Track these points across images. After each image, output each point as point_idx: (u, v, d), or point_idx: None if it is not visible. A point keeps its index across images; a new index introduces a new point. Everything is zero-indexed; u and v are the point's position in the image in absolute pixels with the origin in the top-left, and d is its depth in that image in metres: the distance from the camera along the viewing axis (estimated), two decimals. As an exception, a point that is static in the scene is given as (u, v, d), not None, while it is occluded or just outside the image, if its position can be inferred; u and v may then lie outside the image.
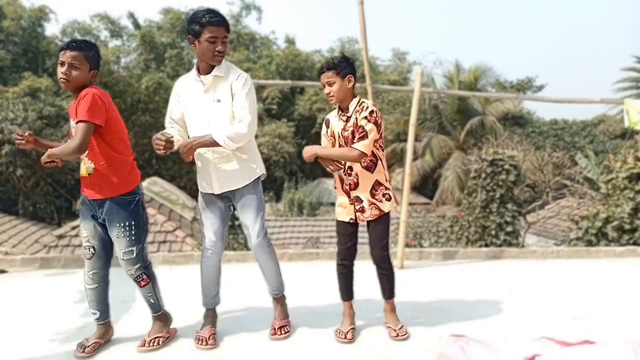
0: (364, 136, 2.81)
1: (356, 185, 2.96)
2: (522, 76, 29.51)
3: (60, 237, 9.54)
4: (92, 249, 2.74)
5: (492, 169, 8.40)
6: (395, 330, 3.01)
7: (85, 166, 2.67)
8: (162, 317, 2.94)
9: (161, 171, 19.89)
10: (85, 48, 2.59)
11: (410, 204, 7.84)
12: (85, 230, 2.75)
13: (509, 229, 8.23)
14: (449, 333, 3.02)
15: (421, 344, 2.92)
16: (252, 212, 2.93)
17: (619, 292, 4.10)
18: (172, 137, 2.69)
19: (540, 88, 28.82)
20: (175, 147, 2.77)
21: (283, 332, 3.01)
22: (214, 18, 2.68)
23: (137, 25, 28.97)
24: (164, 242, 8.29)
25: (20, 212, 17.87)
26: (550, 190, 11.79)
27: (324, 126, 3.13)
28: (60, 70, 2.55)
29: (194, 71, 2.88)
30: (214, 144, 2.72)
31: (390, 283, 3.07)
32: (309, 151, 2.96)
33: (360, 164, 2.91)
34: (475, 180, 8.68)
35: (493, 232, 8.23)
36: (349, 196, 3.00)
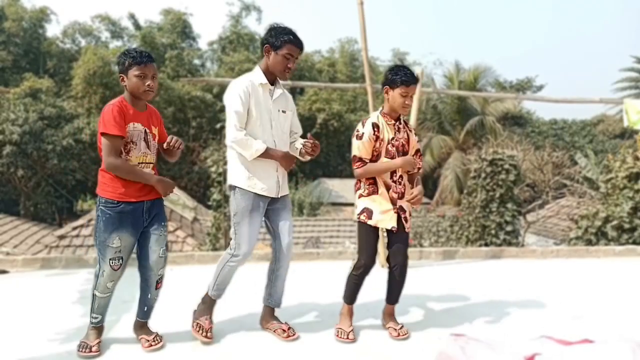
0: (421, 159, 3.13)
1: (402, 195, 2.99)
2: (521, 76, 29.49)
3: (62, 237, 9.56)
4: (121, 260, 2.71)
5: (491, 168, 8.41)
6: (396, 330, 3.02)
7: (150, 170, 2.78)
8: (147, 323, 2.96)
9: (161, 171, 19.74)
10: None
11: (410, 203, 7.82)
12: (119, 241, 2.67)
13: (509, 228, 8.24)
14: (449, 332, 3.03)
15: (421, 344, 2.93)
16: (290, 216, 3.10)
17: (618, 291, 4.11)
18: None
19: (540, 88, 28.78)
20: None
21: (292, 332, 3.02)
22: (296, 39, 2.90)
23: (137, 26, 28.96)
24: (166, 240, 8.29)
25: (21, 212, 17.90)
26: (549, 190, 11.79)
27: (371, 128, 2.93)
28: (145, 82, 2.64)
29: (259, 78, 2.94)
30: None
31: (400, 290, 3.10)
32: (410, 163, 2.96)
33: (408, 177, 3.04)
34: (475, 180, 8.69)
35: (493, 232, 8.24)
36: (394, 204, 2.97)
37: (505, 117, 22.56)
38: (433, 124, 21.37)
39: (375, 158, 2.96)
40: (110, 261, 2.68)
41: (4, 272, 4.82)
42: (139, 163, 2.70)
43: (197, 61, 27.65)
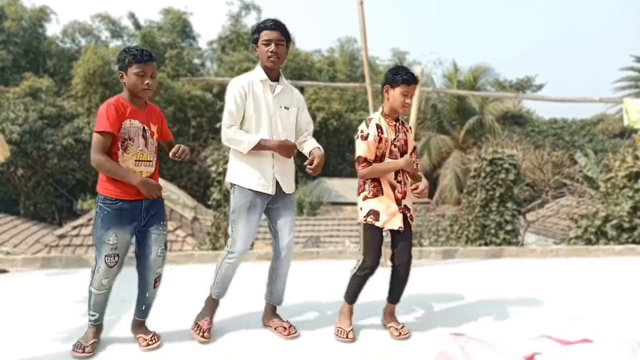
0: (417, 153, 3.11)
1: (405, 194, 3.01)
2: (521, 75, 29.51)
3: (61, 237, 9.57)
4: (116, 257, 2.71)
5: (491, 168, 8.41)
6: (397, 329, 3.02)
7: (149, 169, 2.75)
8: (145, 321, 2.96)
9: (162, 171, 19.69)
10: (155, 58, 2.77)
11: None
12: (115, 238, 2.68)
13: (509, 227, 8.24)
14: (449, 332, 3.03)
15: (421, 343, 2.93)
16: (292, 215, 3.07)
17: (618, 291, 4.12)
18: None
19: (540, 87, 28.80)
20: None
21: (294, 330, 3.04)
22: (268, 23, 2.88)
23: (137, 25, 28.97)
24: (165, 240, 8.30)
25: (21, 212, 17.89)
26: (549, 189, 11.80)
27: (374, 130, 2.93)
28: (144, 80, 2.65)
29: (260, 75, 2.95)
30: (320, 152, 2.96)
31: (402, 289, 3.10)
32: (410, 164, 2.98)
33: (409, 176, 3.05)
34: (474, 180, 8.69)
35: (493, 231, 8.24)
36: (399, 204, 2.98)
37: (505, 116, 22.58)
38: (432, 123, 21.38)
39: (378, 159, 2.96)
40: (106, 258, 2.69)
41: (3, 271, 4.82)
42: (135, 160, 2.69)
43: (197, 60, 27.66)
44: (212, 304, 3.08)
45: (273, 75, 2.97)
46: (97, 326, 2.85)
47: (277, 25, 2.87)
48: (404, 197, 3.00)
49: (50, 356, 2.77)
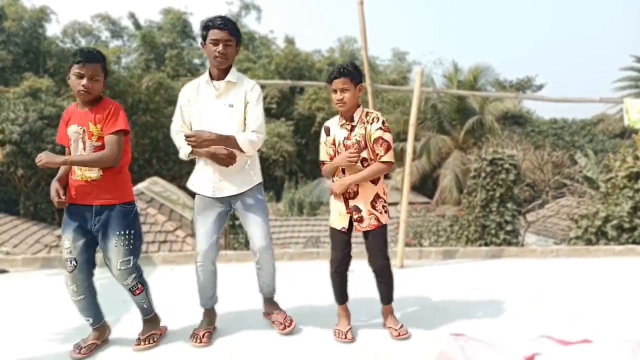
0: (389, 146, 2.87)
1: (355, 194, 2.94)
2: (521, 76, 29.50)
3: (61, 237, 9.55)
4: (74, 262, 2.64)
5: (491, 168, 8.41)
6: (396, 329, 3.02)
7: (88, 173, 2.62)
8: (153, 318, 2.96)
9: (161, 171, 19.89)
10: (102, 59, 2.64)
11: (410, 203, 7.85)
12: (68, 241, 2.64)
13: (509, 228, 8.24)
14: (449, 332, 3.03)
15: (421, 343, 2.93)
16: (258, 216, 2.97)
17: (618, 291, 4.11)
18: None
19: (540, 87, 28.81)
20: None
21: (289, 321, 3.06)
22: (217, 21, 2.78)
23: (137, 25, 28.98)
24: (165, 242, 8.30)
25: (21, 212, 17.88)
26: (549, 190, 11.80)
27: (323, 134, 3.08)
28: (81, 82, 2.55)
29: (205, 76, 2.93)
30: (235, 145, 2.78)
31: (389, 290, 3.08)
32: (340, 185, 2.91)
33: None
34: (475, 180, 8.69)
35: (493, 231, 8.24)
36: (346, 204, 2.97)
37: (505, 116, 22.57)
38: (432, 123, 21.36)
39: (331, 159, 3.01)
40: (65, 262, 2.67)
41: (3, 271, 4.82)
42: (77, 166, 2.64)
43: (197, 60, 27.67)
44: (204, 314, 3.10)
45: (220, 74, 2.89)
46: (98, 329, 2.85)
47: (225, 25, 2.78)
48: (352, 197, 2.95)
49: (50, 356, 2.77)
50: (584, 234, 7.51)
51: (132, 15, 29.04)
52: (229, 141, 2.77)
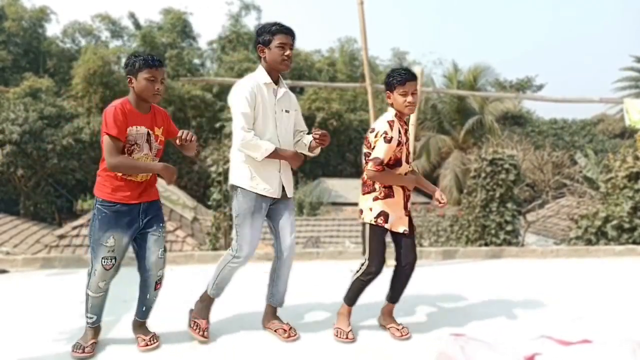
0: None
1: (409, 198, 3.04)
2: (521, 76, 29.50)
3: (61, 237, 9.56)
4: (114, 260, 2.72)
5: (491, 168, 8.41)
6: (398, 329, 3.02)
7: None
8: (145, 323, 2.97)
9: (161, 171, 19.90)
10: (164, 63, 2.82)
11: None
12: (112, 240, 2.68)
13: (509, 228, 8.24)
14: (449, 332, 3.03)
15: (421, 343, 2.93)
16: (293, 218, 3.09)
17: (618, 291, 4.11)
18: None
19: (540, 87, 28.82)
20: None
21: (294, 332, 3.02)
22: (284, 27, 2.91)
23: (137, 25, 28.97)
24: (165, 242, 8.30)
25: (21, 212, 17.88)
26: (549, 190, 11.81)
27: (397, 132, 2.89)
28: (156, 86, 2.66)
29: (264, 78, 2.92)
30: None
31: (403, 288, 3.11)
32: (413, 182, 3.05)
33: None
34: (475, 180, 8.69)
35: (493, 232, 8.24)
36: (405, 207, 3.01)
37: (505, 116, 22.58)
38: (432, 123, 21.38)
39: (393, 162, 2.93)
40: (103, 260, 2.69)
41: (4, 271, 4.82)
42: None
43: (196, 60, 27.67)
44: (208, 302, 3.08)
45: (275, 79, 2.98)
46: (95, 328, 2.85)
47: (291, 31, 2.92)
48: (408, 200, 3.03)
49: (50, 356, 2.77)
50: (584, 234, 7.51)
51: (132, 15, 29.03)
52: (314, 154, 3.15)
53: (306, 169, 22.20)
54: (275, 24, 2.90)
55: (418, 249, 5.79)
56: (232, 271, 2.99)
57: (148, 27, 27.54)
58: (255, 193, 2.88)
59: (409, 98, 2.87)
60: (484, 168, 8.47)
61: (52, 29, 61.30)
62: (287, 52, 2.87)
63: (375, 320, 3.25)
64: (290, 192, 3.05)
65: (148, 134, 2.72)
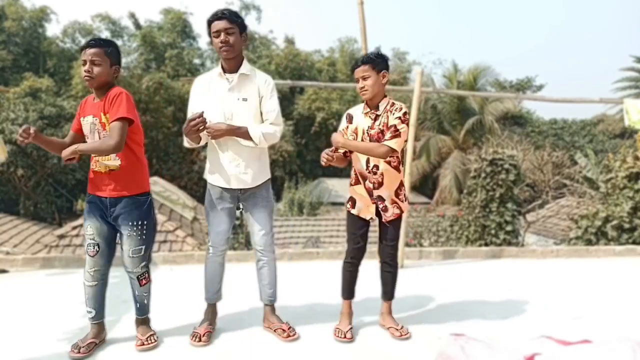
0: (397, 135, 2.82)
1: (380, 184, 2.94)
2: (521, 76, 29.49)
3: (61, 237, 9.55)
4: (96, 247, 2.75)
5: (491, 168, 8.41)
6: (397, 329, 3.02)
7: (109, 162, 2.69)
8: (147, 319, 2.98)
9: (161, 171, 19.89)
10: (104, 44, 2.69)
11: (410, 203, 7.82)
12: (90, 228, 2.75)
13: (509, 228, 8.24)
14: (449, 332, 3.03)
15: (421, 343, 2.93)
16: (264, 212, 3.02)
17: (618, 291, 4.12)
18: (202, 112, 2.72)
19: (540, 88, 28.77)
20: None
21: (292, 332, 3.01)
22: (214, 13, 2.82)
23: (137, 25, 28.94)
24: (165, 241, 8.30)
25: (21, 212, 17.87)
26: (549, 190, 11.81)
27: (344, 120, 3.04)
28: (84, 68, 2.63)
29: (218, 69, 2.93)
30: (246, 136, 2.79)
31: (393, 283, 3.10)
32: (336, 141, 2.91)
33: (390, 163, 2.91)
34: (475, 180, 8.70)
35: (493, 232, 8.24)
36: (370, 195, 2.97)
37: (505, 116, 22.55)
38: (432, 123, 21.37)
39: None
40: (87, 247, 2.76)
41: (4, 271, 4.82)
42: (95, 157, 2.73)
43: (197, 60, 27.64)
44: (206, 310, 3.10)
45: (231, 66, 2.88)
46: (97, 325, 2.86)
47: (223, 14, 2.78)
48: (377, 188, 2.95)
49: (50, 356, 2.77)
50: (584, 234, 7.51)
51: (132, 15, 29.00)
52: (240, 132, 2.79)
53: (306, 169, 22.21)
54: (211, 14, 2.83)
55: (418, 249, 5.84)
56: (211, 265, 3.03)
57: (148, 27, 27.51)
58: (214, 185, 2.96)
59: (359, 83, 2.90)
60: (484, 168, 8.47)
61: (52, 29, 61.25)
62: (221, 38, 2.76)
63: (375, 320, 3.25)
64: (252, 181, 2.93)
65: (98, 122, 2.67)
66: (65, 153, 2.60)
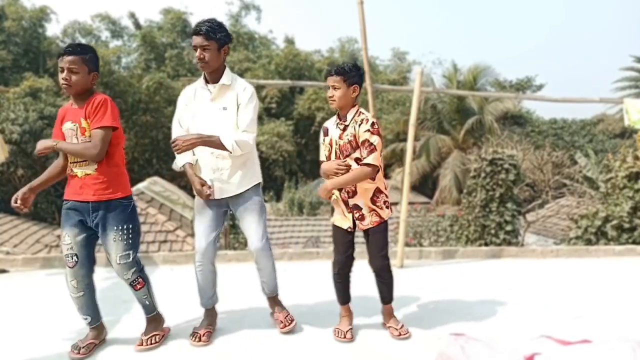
0: (373, 149, 2.80)
1: (354, 193, 2.92)
2: (521, 76, 29.50)
3: (61, 233, 9.56)
4: (74, 257, 2.67)
5: (491, 168, 8.41)
6: (397, 329, 3.02)
7: (85, 168, 2.64)
8: (156, 317, 2.96)
9: (162, 171, 19.93)
10: (82, 52, 2.62)
11: (410, 203, 7.85)
12: (68, 237, 2.67)
13: (509, 228, 8.24)
14: (449, 332, 3.03)
15: (421, 343, 2.93)
16: (254, 217, 2.99)
17: (618, 291, 4.11)
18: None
19: (540, 87, 28.79)
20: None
21: (289, 321, 3.06)
22: (195, 27, 2.83)
23: (137, 25, 28.97)
24: (165, 241, 8.30)
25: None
26: (549, 190, 11.81)
27: (322, 134, 3.07)
28: (61, 75, 2.59)
29: (201, 80, 2.97)
30: (220, 146, 2.78)
31: (389, 290, 3.08)
32: (323, 190, 2.92)
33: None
34: (474, 180, 8.69)
35: (493, 231, 8.24)
36: (346, 204, 2.96)
37: (505, 116, 22.55)
38: (432, 123, 21.38)
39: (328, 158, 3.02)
40: (65, 258, 2.70)
41: (4, 271, 4.82)
42: (71, 162, 2.68)
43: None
44: (205, 314, 3.11)
45: (212, 78, 2.92)
46: (95, 328, 2.85)
47: (200, 30, 2.78)
48: (351, 197, 2.93)
49: (50, 356, 2.77)
50: (583, 234, 7.51)
51: (132, 15, 29.03)
52: (212, 142, 2.78)
53: (306, 169, 22.23)
54: (194, 25, 2.86)
55: (418, 249, 5.84)
56: (201, 274, 3.00)
57: (148, 27, 27.54)
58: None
59: (329, 92, 2.91)
60: (484, 168, 8.47)
61: (52, 29, 61.15)
62: (197, 54, 2.81)
63: (375, 319, 3.25)
64: (235, 189, 2.93)
65: (77, 128, 2.63)
66: (41, 146, 2.58)
